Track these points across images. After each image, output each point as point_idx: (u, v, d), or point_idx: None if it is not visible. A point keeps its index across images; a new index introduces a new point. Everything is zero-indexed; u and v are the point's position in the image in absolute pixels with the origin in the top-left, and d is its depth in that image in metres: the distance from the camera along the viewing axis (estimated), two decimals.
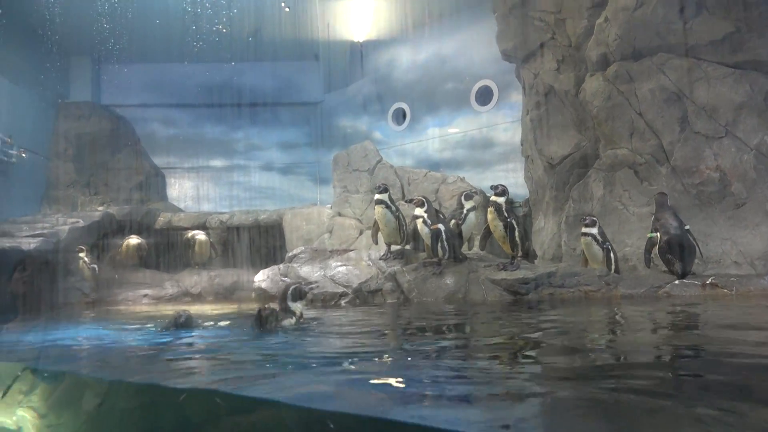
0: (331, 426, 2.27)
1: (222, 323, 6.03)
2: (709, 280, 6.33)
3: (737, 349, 3.34)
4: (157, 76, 16.46)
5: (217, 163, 16.87)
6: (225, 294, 11.40)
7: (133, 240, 12.33)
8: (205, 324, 5.88)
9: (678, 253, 6.68)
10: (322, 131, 17.07)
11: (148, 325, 6.16)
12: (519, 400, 2.43)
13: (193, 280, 11.66)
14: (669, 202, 7.28)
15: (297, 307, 5.43)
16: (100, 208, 13.60)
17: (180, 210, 15.34)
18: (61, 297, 10.34)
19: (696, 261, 7.50)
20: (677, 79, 8.71)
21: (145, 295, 11.10)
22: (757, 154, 8.25)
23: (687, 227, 7.00)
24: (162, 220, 14.17)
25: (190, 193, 16.26)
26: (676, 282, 6.51)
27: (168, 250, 13.30)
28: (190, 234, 12.70)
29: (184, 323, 5.55)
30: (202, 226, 13.63)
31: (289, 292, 5.47)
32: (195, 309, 9.19)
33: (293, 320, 5.29)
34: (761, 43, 8.30)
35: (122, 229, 12.74)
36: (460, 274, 7.65)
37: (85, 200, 14.46)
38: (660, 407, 2.27)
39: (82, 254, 11.34)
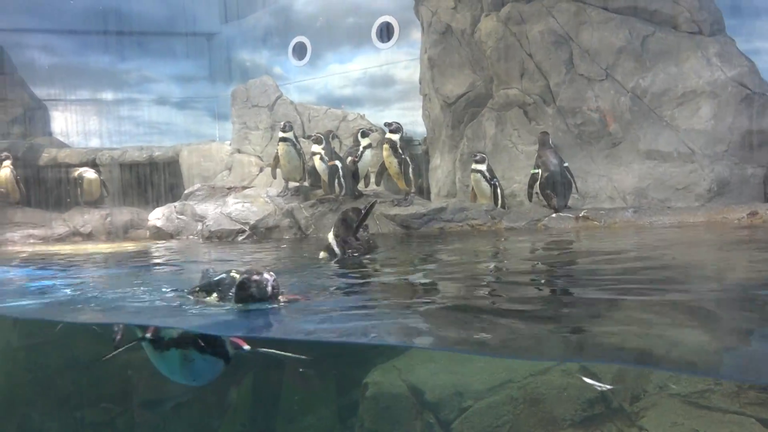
0: None
1: None
2: (582, 213, 6.90)
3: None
4: None
5: (107, 95, 15.86)
6: (118, 233, 11.05)
7: (5, 171, 11.57)
8: None
9: (556, 188, 7.19)
10: (220, 64, 16.40)
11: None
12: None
13: (84, 218, 11.19)
14: (551, 141, 7.74)
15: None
16: None
17: (66, 146, 14.45)
18: None
19: (574, 196, 8.10)
20: (565, 22, 9.08)
21: (31, 236, 10.55)
22: (632, 97, 8.84)
23: (566, 164, 7.51)
24: (47, 156, 13.35)
25: (78, 128, 15.25)
26: (553, 215, 7.03)
27: (54, 188, 12.61)
28: (78, 171, 12.07)
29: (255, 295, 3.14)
30: (92, 163, 12.98)
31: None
32: (91, 248, 8.92)
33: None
34: None
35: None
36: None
37: None
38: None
39: None
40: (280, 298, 3.20)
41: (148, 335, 3.14)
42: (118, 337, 3.36)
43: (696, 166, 8.39)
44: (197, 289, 3.56)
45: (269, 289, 3.10)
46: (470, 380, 4.21)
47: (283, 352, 3.41)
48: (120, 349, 3.26)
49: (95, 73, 15.60)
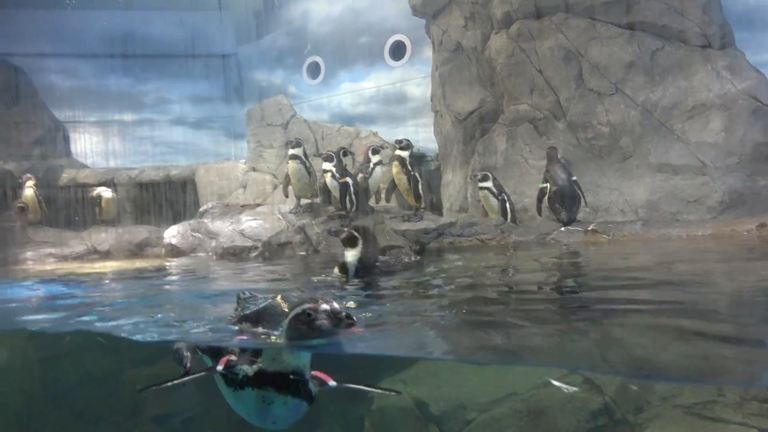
0: None
1: None
2: (590, 227, 6.91)
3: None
4: (54, 24, 15.45)
5: (125, 117, 16.22)
6: (135, 251, 11.23)
7: (29, 191, 11.88)
8: None
9: (564, 202, 7.21)
10: (236, 85, 16.69)
11: None
12: None
13: (101, 237, 11.38)
14: (559, 155, 7.77)
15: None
16: None
17: (86, 166, 14.76)
18: None
19: (585, 209, 8.11)
20: (574, 38, 9.14)
21: (50, 254, 10.75)
22: (642, 111, 8.84)
23: (574, 178, 7.53)
24: (66, 176, 13.65)
25: (97, 149, 15.59)
26: (562, 229, 7.05)
27: (74, 208, 12.89)
28: (95, 191, 12.32)
29: None
30: (110, 183, 13.24)
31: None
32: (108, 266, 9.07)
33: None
34: (649, 5, 8.81)
35: (22, 186, 12.19)
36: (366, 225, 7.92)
37: None
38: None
39: None
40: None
41: (220, 368, 2.72)
42: (188, 364, 2.96)
43: (707, 178, 8.36)
44: (239, 319, 3.11)
45: (330, 321, 2.54)
46: (474, 393, 4.23)
47: (371, 388, 3.20)
48: (189, 377, 2.84)
49: (114, 95, 15.96)
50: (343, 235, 4.93)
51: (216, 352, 2.92)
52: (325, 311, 2.53)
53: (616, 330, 3.04)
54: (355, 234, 4.89)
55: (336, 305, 2.57)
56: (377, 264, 5.00)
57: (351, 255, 4.81)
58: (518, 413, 4.03)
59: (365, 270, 4.83)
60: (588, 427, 3.85)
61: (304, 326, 2.55)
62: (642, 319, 3.20)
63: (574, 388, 3.55)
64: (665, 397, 3.72)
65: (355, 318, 2.56)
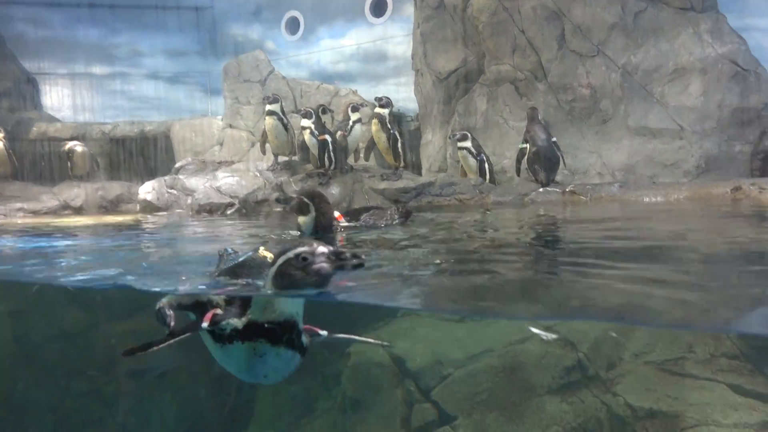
0: None
1: None
2: (569, 188, 6.94)
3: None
4: None
5: (97, 69, 15.72)
6: (109, 207, 11.05)
7: None
8: None
9: (543, 163, 7.22)
10: (212, 38, 16.23)
11: None
12: None
13: (74, 192, 11.16)
14: (540, 116, 7.74)
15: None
16: None
17: (57, 120, 14.35)
18: None
19: (563, 171, 8.13)
20: None
21: (20, 209, 10.53)
22: (623, 73, 8.83)
23: (554, 140, 7.53)
24: (36, 130, 13.28)
25: (68, 102, 15.13)
26: (540, 190, 7.08)
27: (44, 162, 12.58)
28: (67, 145, 12.02)
29: None
30: (82, 137, 12.92)
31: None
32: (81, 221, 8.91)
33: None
34: None
35: None
36: (345, 184, 7.87)
37: None
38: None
39: None
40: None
41: (206, 324, 2.53)
42: (172, 323, 2.75)
43: (685, 142, 8.42)
44: (220, 273, 2.95)
45: (332, 264, 2.27)
46: (451, 349, 4.27)
47: (361, 338, 3.19)
48: (175, 339, 2.61)
49: (85, 46, 15.42)
50: (293, 203, 4.51)
51: (200, 307, 2.77)
52: (324, 254, 2.25)
53: (584, 281, 3.07)
54: (305, 200, 4.43)
55: (322, 249, 2.30)
56: (333, 228, 4.67)
57: (304, 224, 4.43)
58: (493, 369, 4.08)
59: (323, 235, 4.45)
60: (561, 382, 3.92)
61: (297, 271, 2.29)
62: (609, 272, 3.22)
63: (554, 335, 3.61)
64: (637, 353, 3.79)
65: (363, 257, 2.27)
